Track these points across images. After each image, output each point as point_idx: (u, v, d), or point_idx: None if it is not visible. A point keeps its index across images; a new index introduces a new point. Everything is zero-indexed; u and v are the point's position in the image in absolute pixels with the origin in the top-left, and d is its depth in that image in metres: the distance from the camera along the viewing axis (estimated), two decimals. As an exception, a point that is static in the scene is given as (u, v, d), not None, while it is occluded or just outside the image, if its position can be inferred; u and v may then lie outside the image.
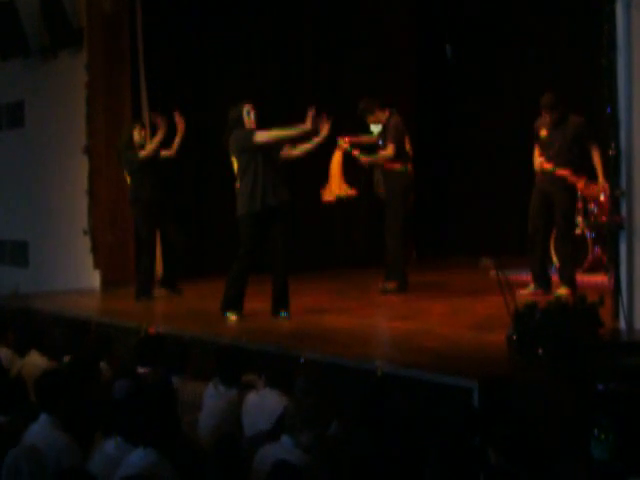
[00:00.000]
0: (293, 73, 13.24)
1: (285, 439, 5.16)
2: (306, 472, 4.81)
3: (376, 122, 10.28)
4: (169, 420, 5.20)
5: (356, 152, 10.11)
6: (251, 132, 8.72)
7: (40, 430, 5.41)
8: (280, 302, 8.84)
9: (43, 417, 5.48)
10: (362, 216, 13.20)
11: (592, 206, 10.84)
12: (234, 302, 8.91)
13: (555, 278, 9.43)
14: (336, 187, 9.87)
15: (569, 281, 9.17)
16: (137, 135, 10.48)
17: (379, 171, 10.64)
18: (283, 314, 8.79)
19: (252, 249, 8.87)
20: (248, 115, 8.80)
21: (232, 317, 8.81)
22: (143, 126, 10.72)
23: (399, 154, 10.14)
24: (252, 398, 6.25)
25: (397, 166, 10.16)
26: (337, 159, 9.95)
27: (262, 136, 8.68)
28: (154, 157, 10.39)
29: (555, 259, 10.02)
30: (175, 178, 11.59)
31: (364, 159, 10.19)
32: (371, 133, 10.33)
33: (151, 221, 10.54)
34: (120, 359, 7.70)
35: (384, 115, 10.25)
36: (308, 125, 8.64)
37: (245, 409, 6.26)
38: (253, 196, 8.73)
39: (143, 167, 10.37)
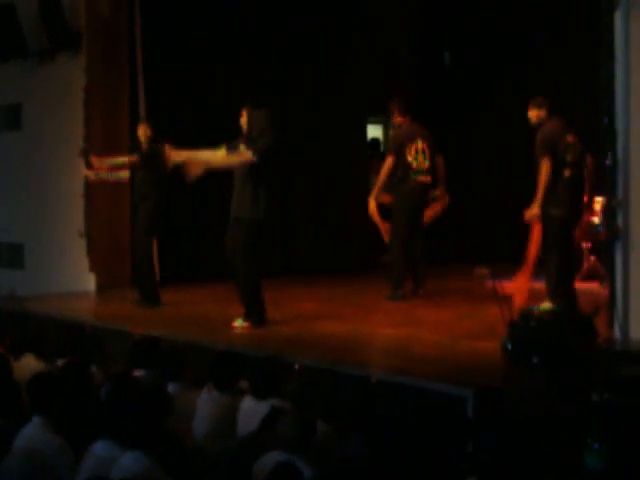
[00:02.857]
0: (293, 78, 13.23)
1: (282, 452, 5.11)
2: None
3: (394, 123, 10.51)
4: (159, 423, 5.18)
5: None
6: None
7: (33, 432, 5.40)
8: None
9: (36, 419, 5.47)
10: (358, 222, 13.19)
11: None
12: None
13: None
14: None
15: (552, 295, 8.42)
16: (141, 132, 10.46)
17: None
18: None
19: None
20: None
21: None
22: (148, 125, 10.65)
23: (397, 163, 10.20)
24: (247, 404, 6.23)
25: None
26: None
27: None
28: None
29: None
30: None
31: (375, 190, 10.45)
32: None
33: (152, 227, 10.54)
34: (114, 362, 7.68)
35: (399, 121, 10.39)
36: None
37: (240, 415, 6.24)
38: None
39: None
